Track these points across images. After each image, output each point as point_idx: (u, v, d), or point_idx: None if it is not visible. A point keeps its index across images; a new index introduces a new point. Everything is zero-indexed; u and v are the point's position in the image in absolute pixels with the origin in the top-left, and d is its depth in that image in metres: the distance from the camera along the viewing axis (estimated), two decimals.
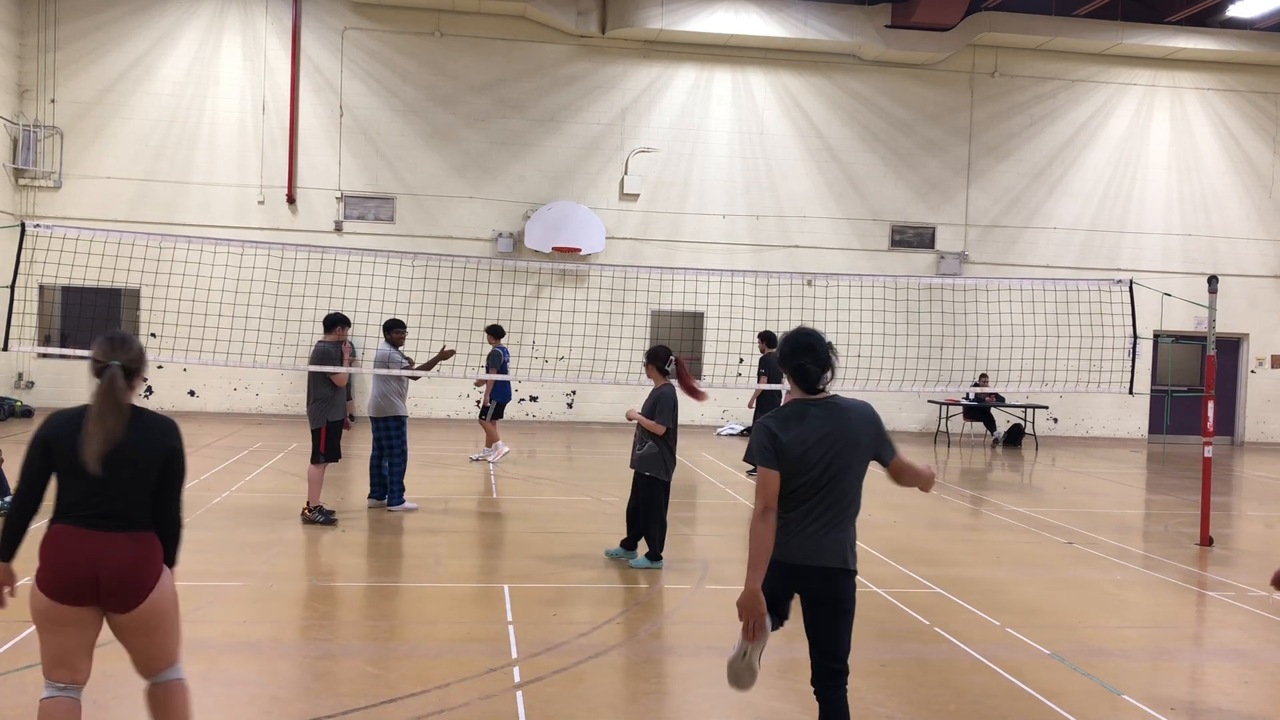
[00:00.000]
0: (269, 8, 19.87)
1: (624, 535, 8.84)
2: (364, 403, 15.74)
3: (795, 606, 4.34)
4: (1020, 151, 21.90)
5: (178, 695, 4.09)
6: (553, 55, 20.55)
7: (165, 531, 4.02)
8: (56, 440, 3.86)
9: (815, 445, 4.11)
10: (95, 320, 16.95)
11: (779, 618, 4.34)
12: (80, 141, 19.38)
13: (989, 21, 20.76)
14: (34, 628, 3.92)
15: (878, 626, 7.02)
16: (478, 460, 14.53)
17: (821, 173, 21.30)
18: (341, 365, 9.92)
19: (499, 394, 14.45)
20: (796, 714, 5.25)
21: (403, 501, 10.65)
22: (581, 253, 20.03)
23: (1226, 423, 22.40)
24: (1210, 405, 10.56)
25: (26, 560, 3.95)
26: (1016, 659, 6.38)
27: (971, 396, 19.60)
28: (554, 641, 6.43)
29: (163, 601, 3.96)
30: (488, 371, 14.25)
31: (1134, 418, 22.21)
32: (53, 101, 19.29)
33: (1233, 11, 20.17)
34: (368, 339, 17.21)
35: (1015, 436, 20.14)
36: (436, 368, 11.02)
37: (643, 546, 8.82)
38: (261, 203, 19.83)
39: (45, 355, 18.77)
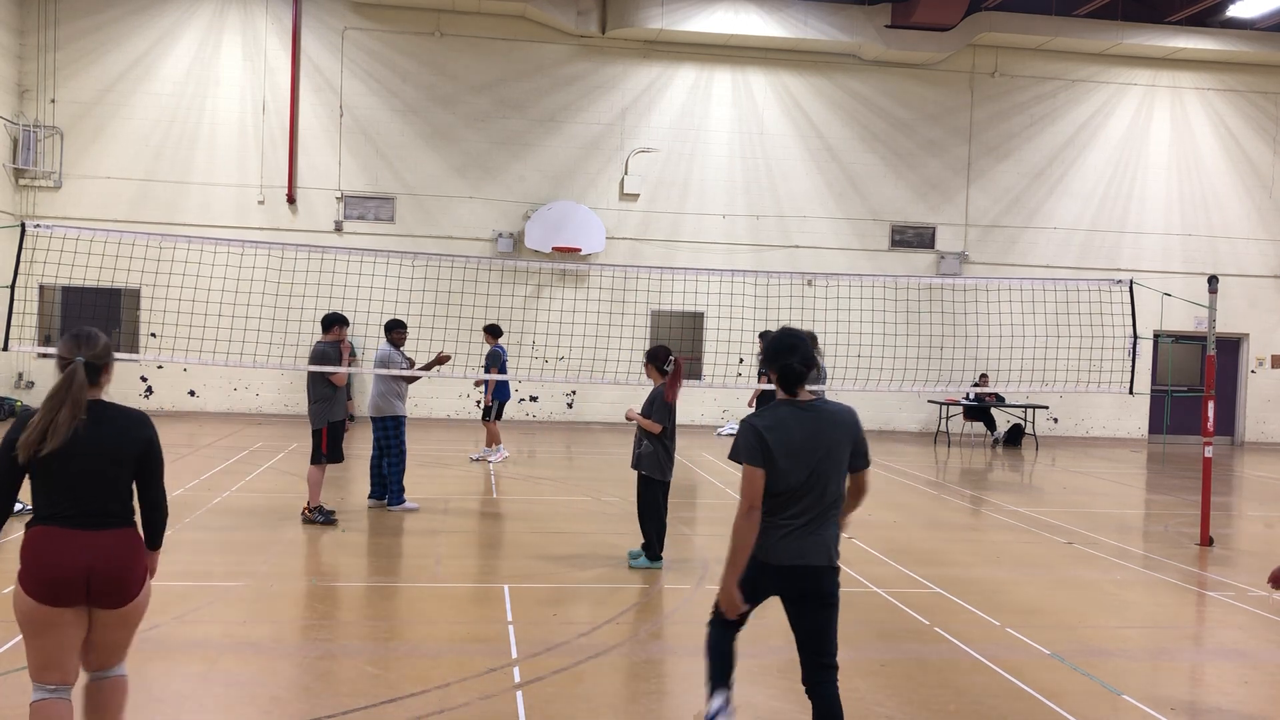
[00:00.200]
0: (269, 8, 19.87)
1: (632, 537, 8.82)
2: (364, 403, 15.77)
3: (775, 604, 4.39)
4: (1020, 151, 21.89)
5: (122, 691, 4.11)
6: (553, 55, 20.55)
7: (149, 517, 4.05)
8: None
9: (800, 451, 4.18)
10: (95, 320, 16.80)
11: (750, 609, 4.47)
12: (80, 141, 19.38)
13: (989, 21, 20.75)
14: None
15: (878, 626, 7.02)
16: (478, 460, 14.54)
17: (821, 173, 21.29)
18: (340, 365, 9.93)
19: (499, 393, 14.48)
20: (796, 714, 5.25)
21: (403, 501, 10.65)
22: (581, 253, 20.02)
23: (1226, 423, 22.40)
24: (1210, 405, 10.56)
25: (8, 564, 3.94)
26: (1016, 659, 6.38)
27: (971, 396, 19.60)
28: (554, 641, 6.43)
29: (145, 596, 4.01)
30: (487, 371, 14.26)
31: (1134, 418, 22.21)
32: (53, 101, 19.29)
33: (1233, 11, 20.17)
34: (368, 339, 17.22)
35: (1015, 436, 20.13)
36: (435, 369, 11.06)
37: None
38: (261, 203, 19.83)
39: (45, 355, 18.70)
